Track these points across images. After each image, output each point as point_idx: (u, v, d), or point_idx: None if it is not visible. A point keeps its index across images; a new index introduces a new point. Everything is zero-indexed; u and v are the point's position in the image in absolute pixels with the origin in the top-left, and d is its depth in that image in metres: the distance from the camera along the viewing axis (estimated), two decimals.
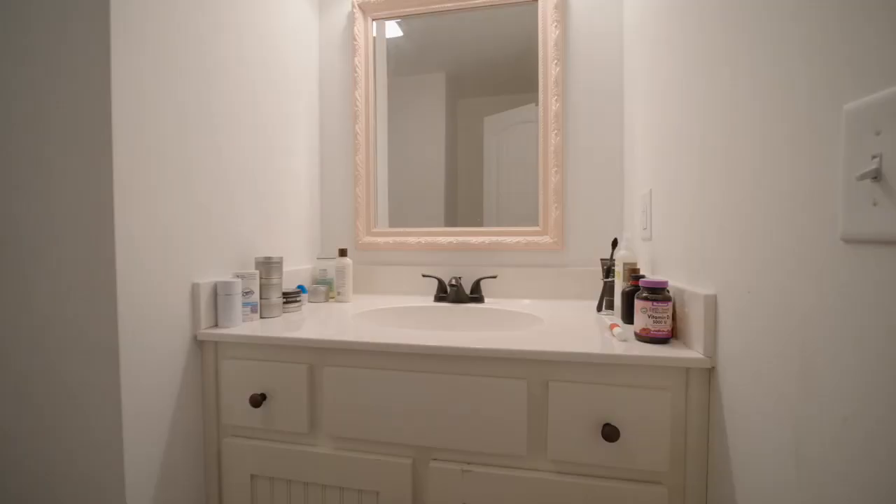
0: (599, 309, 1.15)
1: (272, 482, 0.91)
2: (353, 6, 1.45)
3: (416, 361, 0.84)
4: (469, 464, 0.82)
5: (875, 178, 0.38)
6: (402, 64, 1.48)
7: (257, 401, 0.89)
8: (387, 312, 1.23)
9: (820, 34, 0.45)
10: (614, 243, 1.16)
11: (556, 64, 1.33)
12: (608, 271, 1.15)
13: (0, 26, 0.79)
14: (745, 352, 0.61)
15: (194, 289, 0.94)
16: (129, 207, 0.78)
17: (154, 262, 0.84)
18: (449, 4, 1.40)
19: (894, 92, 0.36)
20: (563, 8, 1.33)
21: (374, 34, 1.48)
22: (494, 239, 1.41)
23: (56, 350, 0.79)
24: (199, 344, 0.95)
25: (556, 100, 1.34)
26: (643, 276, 0.91)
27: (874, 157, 0.38)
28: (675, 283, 0.86)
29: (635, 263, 1.04)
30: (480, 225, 1.44)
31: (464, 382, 0.81)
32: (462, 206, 1.47)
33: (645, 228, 1.10)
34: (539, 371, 0.79)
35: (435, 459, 0.84)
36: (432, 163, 1.48)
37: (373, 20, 1.47)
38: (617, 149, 1.34)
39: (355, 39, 1.46)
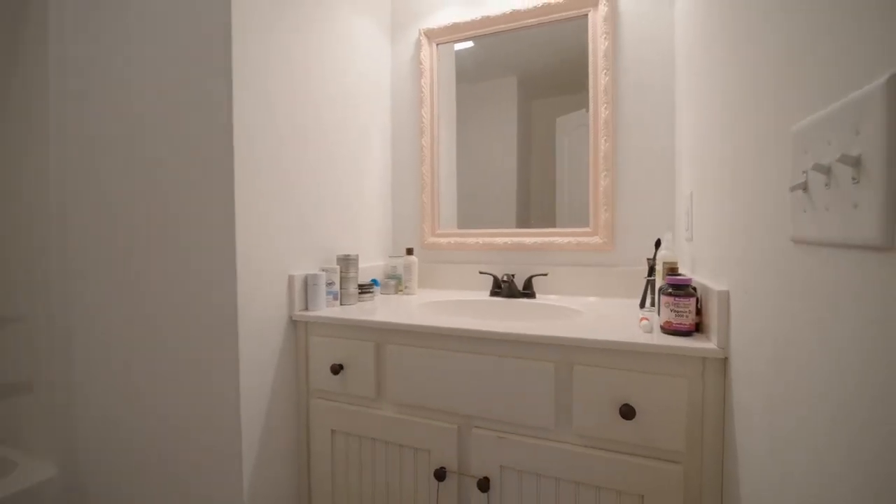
0: (642, 305, 1.22)
1: (347, 437, 1.13)
2: (420, 34, 1.64)
3: (461, 343, 1.00)
4: (505, 432, 0.96)
5: (804, 189, 0.46)
6: (472, 72, 1.62)
7: (336, 370, 1.11)
8: (446, 304, 1.40)
9: (780, 59, 0.53)
10: (657, 244, 1.21)
11: (605, 73, 1.40)
12: (651, 270, 1.21)
13: (174, 82, 1.09)
14: (746, 343, 0.68)
15: (290, 279, 1.19)
16: (243, 214, 1.04)
17: (261, 258, 1.09)
18: (502, 26, 1.54)
19: (818, 116, 0.44)
20: (612, 20, 1.40)
21: (437, 58, 1.66)
22: (546, 240, 1.52)
23: (198, 325, 1.07)
24: (293, 323, 1.20)
25: (606, 107, 1.41)
26: (680, 275, 0.98)
27: (804, 171, 0.46)
28: (702, 280, 0.92)
29: (675, 263, 1.09)
30: (549, 225, 1.53)
31: (500, 363, 0.95)
32: (533, 207, 1.57)
33: (687, 229, 1.15)
34: (564, 355, 0.90)
35: (476, 427, 0.99)
36: (502, 164, 1.60)
37: (437, 45, 1.65)
38: (668, 153, 1.37)
39: (421, 63, 1.65)
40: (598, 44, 1.41)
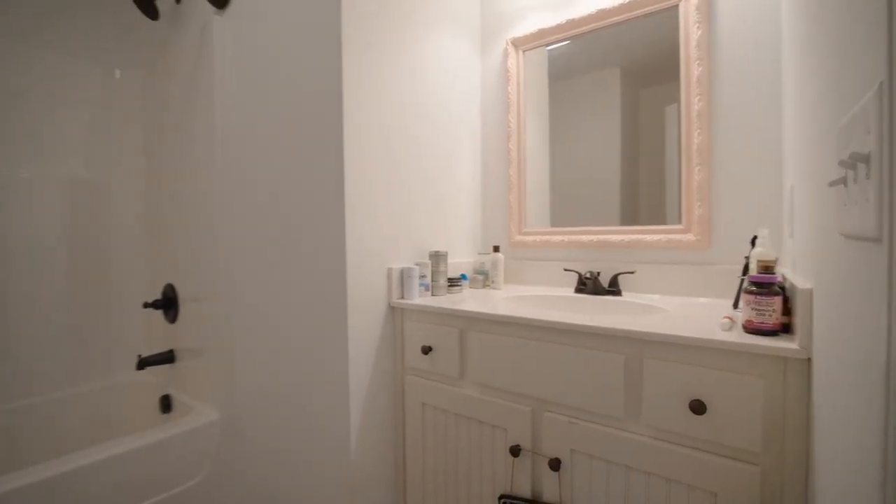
0: (735, 305, 1.16)
1: (435, 410, 1.28)
2: (507, 43, 1.74)
3: (533, 332, 1.08)
4: (575, 418, 1.01)
5: (844, 184, 0.47)
6: (569, 68, 1.64)
7: (426, 350, 1.27)
8: (529, 298, 1.48)
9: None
10: (753, 241, 1.14)
11: (698, 64, 1.35)
12: (745, 268, 1.15)
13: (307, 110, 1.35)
14: (828, 343, 0.66)
15: (389, 272, 1.38)
16: (351, 217, 1.25)
17: (365, 253, 1.30)
18: (590, 26, 1.55)
19: (853, 113, 0.45)
20: (705, 8, 1.34)
21: (524, 65, 1.73)
22: (635, 237, 1.50)
23: (317, 306, 1.32)
24: (391, 309, 1.39)
25: (699, 98, 1.36)
26: (771, 273, 0.94)
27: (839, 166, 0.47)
28: (795, 279, 0.88)
29: (771, 261, 1.03)
30: (647, 221, 1.50)
31: (571, 352, 1.01)
32: (630, 202, 1.54)
33: (788, 225, 1.07)
34: (634, 348, 0.93)
35: (549, 411, 1.06)
36: (600, 159, 1.59)
37: (524, 51, 1.73)
38: (772, 144, 1.27)
39: (508, 71, 1.74)
40: (689, 33, 1.37)
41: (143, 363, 1.87)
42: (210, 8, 1.62)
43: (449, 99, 1.67)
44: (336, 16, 1.24)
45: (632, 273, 1.48)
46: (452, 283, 1.53)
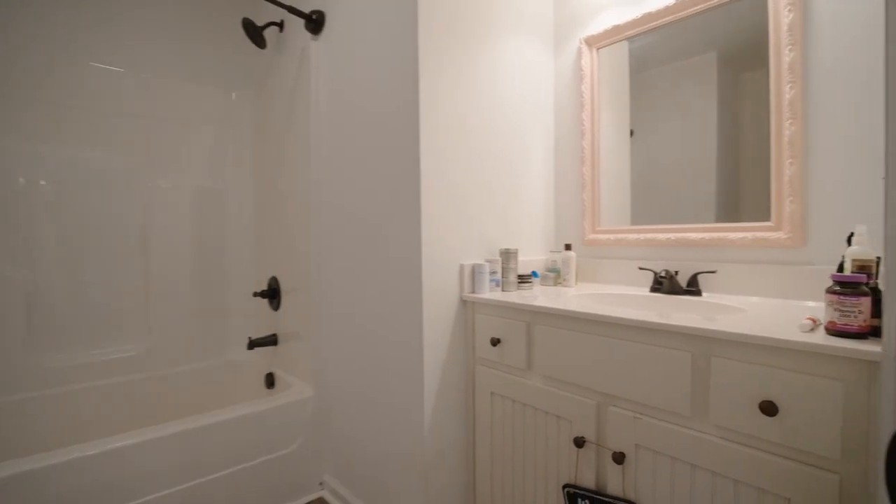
0: None
1: (503, 399, 1.35)
2: (581, 42, 1.74)
3: (601, 328, 1.10)
4: (640, 414, 1.02)
5: None
6: (648, 60, 1.60)
7: (495, 342, 1.34)
8: (601, 296, 1.48)
9: None
10: (849, 239, 1.05)
11: (789, 49, 1.26)
12: (840, 268, 1.06)
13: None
14: None
15: (461, 268, 1.47)
16: (427, 217, 1.36)
17: (439, 251, 1.41)
18: (668, 18, 1.51)
19: None
20: None
21: (598, 63, 1.72)
22: (716, 235, 1.43)
23: (396, 298, 1.46)
24: (463, 302, 1.48)
25: (791, 86, 1.27)
26: (868, 272, 0.88)
27: None
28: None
29: (868, 260, 0.96)
30: (728, 218, 1.43)
31: (636, 348, 1.02)
32: (724, 196, 1.46)
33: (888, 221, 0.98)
34: (701, 346, 0.92)
35: (614, 405, 1.08)
36: (685, 154, 1.52)
37: (597, 49, 1.72)
38: (874, 134, 1.15)
39: (581, 70, 1.74)
40: (780, 17, 1.28)
41: (252, 344, 2.17)
42: (307, 35, 1.85)
43: (522, 100, 1.72)
44: (412, 28, 1.36)
45: (713, 273, 1.42)
46: (523, 279, 1.59)
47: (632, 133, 1.66)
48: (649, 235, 1.59)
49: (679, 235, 1.52)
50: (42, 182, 1.94)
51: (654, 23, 1.55)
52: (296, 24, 1.95)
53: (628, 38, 1.64)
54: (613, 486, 1.07)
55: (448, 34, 1.44)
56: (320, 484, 1.89)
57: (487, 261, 1.51)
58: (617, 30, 1.64)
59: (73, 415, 1.94)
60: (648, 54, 1.61)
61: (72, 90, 1.98)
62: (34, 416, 1.86)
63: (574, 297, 1.43)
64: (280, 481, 1.77)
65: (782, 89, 1.29)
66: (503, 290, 1.54)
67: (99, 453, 1.40)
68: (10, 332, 1.86)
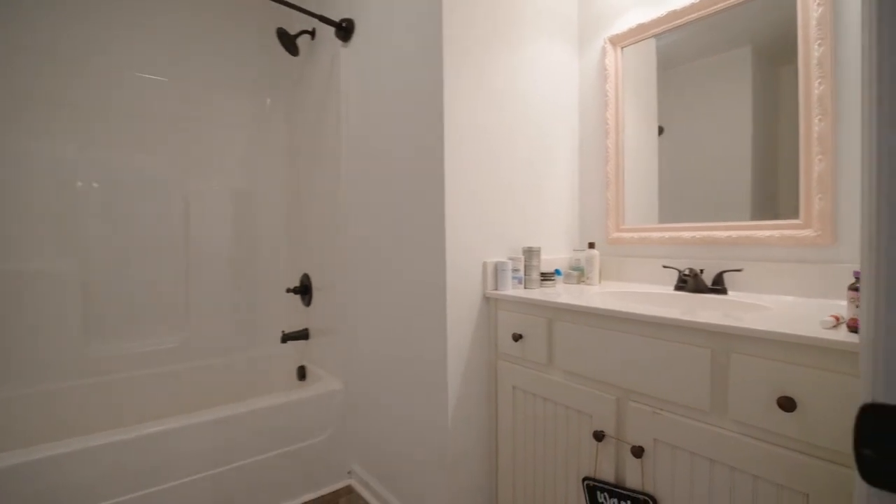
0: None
1: (525, 393, 1.38)
2: (605, 42, 1.75)
3: (620, 324, 1.12)
4: (659, 409, 1.04)
5: None
6: (681, 56, 1.59)
7: (516, 338, 1.37)
8: (623, 294, 1.49)
9: None
10: None
11: (819, 45, 1.24)
12: None
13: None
14: None
15: (484, 265, 1.51)
16: (451, 216, 1.41)
17: (462, 248, 1.45)
18: (693, 15, 1.51)
19: None
20: None
21: (622, 62, 1.73)
22: (743, 233, 1.42)
23: (421, 295, 1.51)
24: (486, 299, 1.52)
25: (821, 82, 1.25)
26: None
27: None
28: None
29: None
30: (755, 216, 1.42)
31: (656, 344, 1.04)
32: (751, 193, 1.44)
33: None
34: (720, 342, 0.93)
35: (633, 401, 1.10)
36: (724, 147, 1.50)
37: (622, 48, 1.73)
38: None
39: (606, 69, 1.75)
40: (809, 12, 1.26)
41: (285, 338, 2.28)
42: (337, 42, 1.93)
43: (545, 100, 1.74)
44: (436, 32, 1.41)
45: (738, 271, 1.40)
46: (545, 277, 1.61)
47: (661, 130, 1.66)
48: (674, 234, 1.59)
49: (705, 234, 1.51)
50: (95, 185, 2.10)
51: (679, 20, 1.55)
52: (327, 32, 2.04)
53: (655, 36, 1.64)
54: (632, 480, 1.09)
55: (471, 37, 1.48)
56: (349, 472, 1.97)
57: (510, 258, 1.54)
58: (641, 28, 1.64)
59: (118, 402, 2.09)
60: (676, 51, 1.60)
61: (121, 100, 2.14)
62: (86, 401, 2.02)
63: (597, 295, 1.45)
64: (311, 468, 1.86)
65: (811, 85, 1.27)
66: (525, 288, 1.57)
67: (143, 435, 1.51)
68: (70, 322, 2.02)
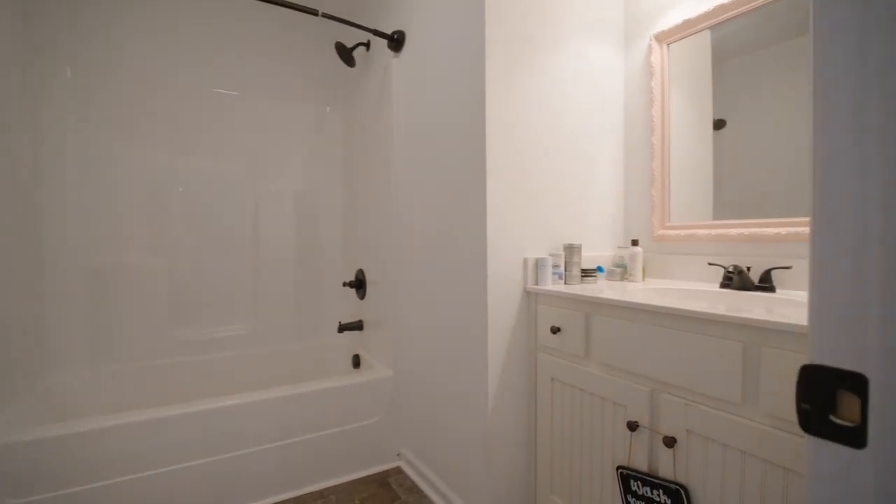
0: None
1: (562, 384, 1.44)
2: (651, 39, 1.75)
3: (656, 318, 1.15)
4: (692, 401, 1.06)
5: None
6: (734, 48, 1.56)
7: (555, 331, 1.43)
8: (665, 291, 1.50)
9: None
10: None
11: None
12: None
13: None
14: None
15: (525, 261, 1.58)
16: (492, 214, 1.50)
17: (504, 245, 1.53)
18: (741, 9, 1.48)
19: None
20: None
21: (668, 58, 1.72)
22: (793, 230, 1.39)
23: (464, 290, 1.61)
24: (526, 293, 1.59)
25: None
26: None
27: None
28: None
29: None
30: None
31: (689, 338, 1.06)
32: (804, 188, 1.37)
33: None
34: (752, 336, 0.95)
35: (667, 392, 1.13)
36: (781, 140, 1.47)
37: (668, 45, 1.72)
38: None
39: (651, 66, 1.75)
40: None
41: (342, 328, 2.47)
42: (390, 53, 2.07)
43: (591, 97, 1.78)
44: (480, 39, 1.50)
45: (788, 268, 1.37)
46: (587, 273, 1.65)
47: (721, 124, 1.62)
48: (721, 231, 1.57)
49: (753, 230, 1.48)
50: (179, 189, 2.39)
51: (728, 14, 1.53)
52: (380, 44, 2.19)
53: (700, 31, 1.62)
54: (664, 470, 1.12)
55: (515, 38, 1.55)
56: (398, 454, 2.11)
57: (550, 255, 1.60)
58: (688, 24, 1.63)
59: (197, 379, 2.37)
60: (730, 44, 1.57)
61: (200, 112, 2.42)
62: (173, 377, 2.31)
63: (639, 291, 1.47)
64: (364, 447, 2.02)
65: None
66: (566, 283, 1.62)
67: (223, 406, 1.74)
68: (159, 310, 2.33)
